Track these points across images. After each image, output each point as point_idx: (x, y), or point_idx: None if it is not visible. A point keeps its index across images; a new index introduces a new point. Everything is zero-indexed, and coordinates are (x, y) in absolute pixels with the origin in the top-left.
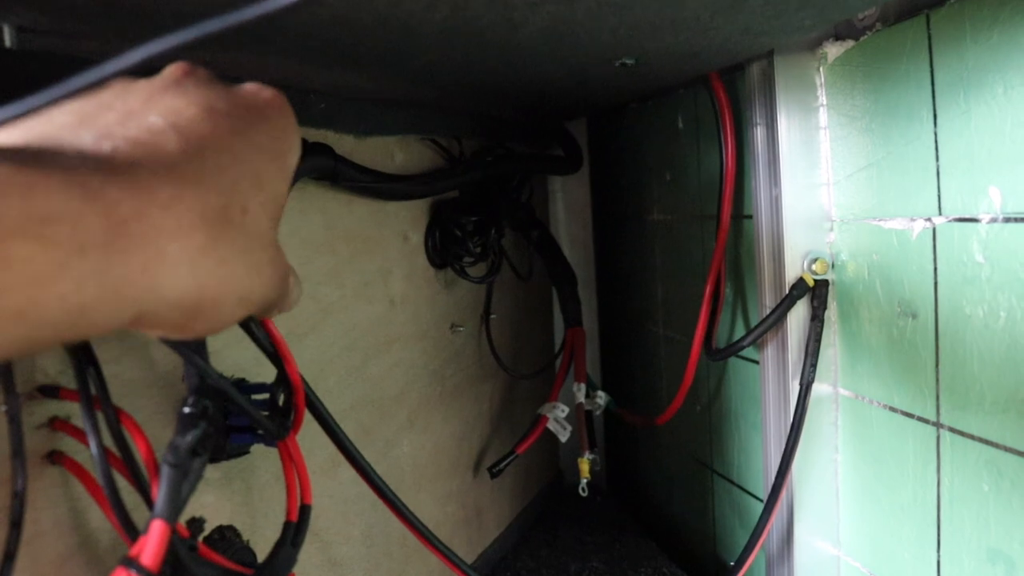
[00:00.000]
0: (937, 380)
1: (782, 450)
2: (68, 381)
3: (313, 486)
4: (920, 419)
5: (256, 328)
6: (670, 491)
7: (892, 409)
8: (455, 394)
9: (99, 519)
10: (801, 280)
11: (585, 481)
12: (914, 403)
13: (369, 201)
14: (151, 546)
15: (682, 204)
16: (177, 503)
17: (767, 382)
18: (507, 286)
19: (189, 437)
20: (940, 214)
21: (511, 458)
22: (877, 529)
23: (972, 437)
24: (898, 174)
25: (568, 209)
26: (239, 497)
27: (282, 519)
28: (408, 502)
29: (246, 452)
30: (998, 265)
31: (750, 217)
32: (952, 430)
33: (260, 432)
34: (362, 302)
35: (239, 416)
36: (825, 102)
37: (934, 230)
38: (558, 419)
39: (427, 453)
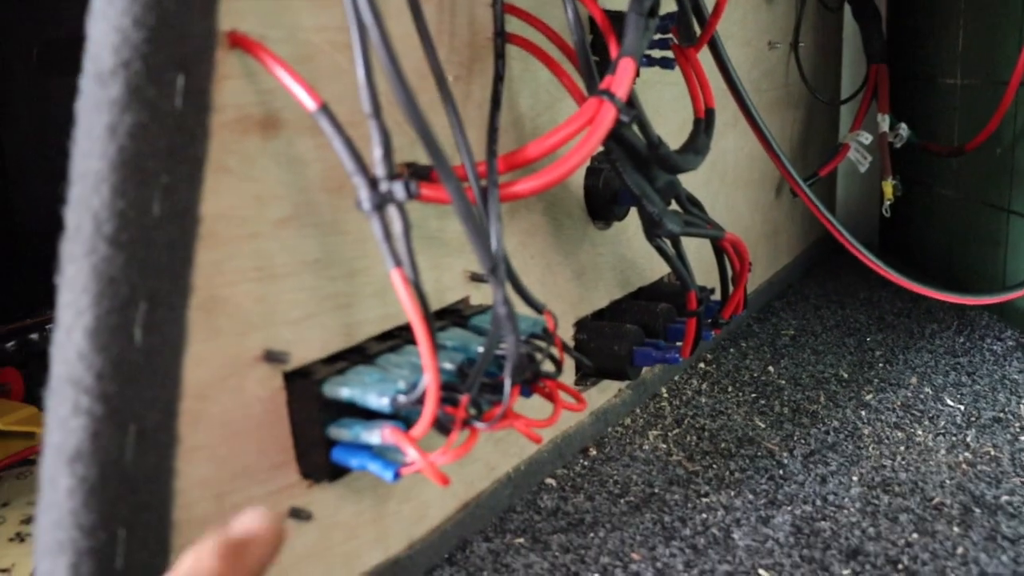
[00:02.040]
0: None
1: None
2: None
3: None
4: None
5: None
6: (953, 240)
7: None
8: (768, 110)
9: (526, 105)
10: None
11: (888, 204)
12: None
13: None
14: (621, 79)
15: None
16: (641, 48)
17: None
18: (811, 21)
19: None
20: None
21: (813, 179)
22: None
23: None
24: None
25: None
26: None
27: None
28: (729, 197)
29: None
30: None
31: None
32: None
33: (655, 57)
34: None
35: None
36: None
37: None
38: (860, 146)
39: (745, 157)
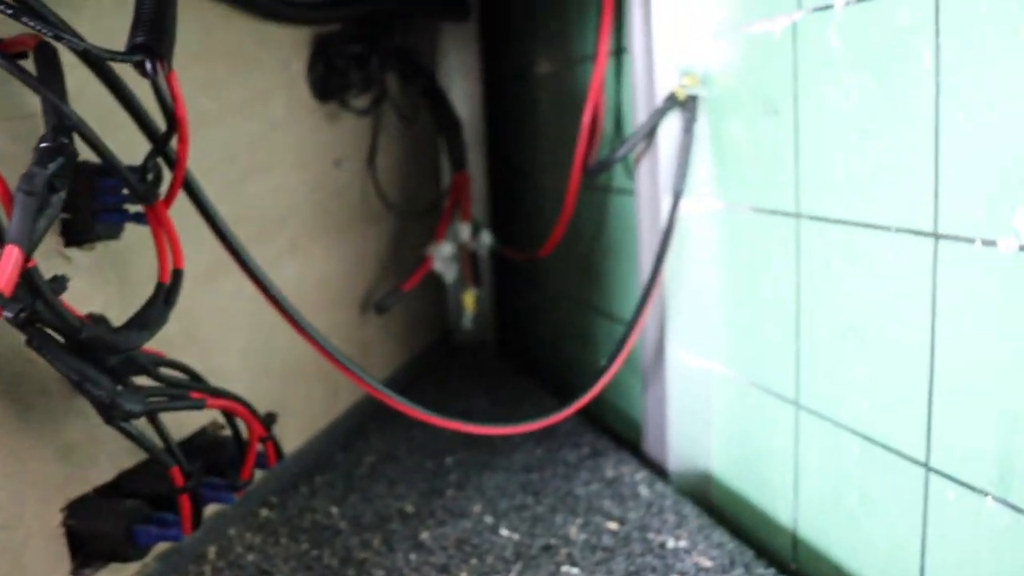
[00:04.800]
0: (797, 170)
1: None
2: None
3: (191, 295)
4: (782, 213)
5: (161, 81)
6: (557, 338)
7: (758, 210)
8: (341, 230)
9: None
10: (672, 94)
11: (469, 314)
12: (777, 198)
13: (249, 20)
14: (4, 269)
15: (567, 51)
16: (32, 232)
17: (641, 200)
18: (394, 132)
19: (48, 168)
20: (800, 8)
21: (396, 294)
22: (745, 333)
23: (828, 220)
24: None
25: (460, 65)
26: (112, 288)
27: None
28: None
29: (116, 236)
30: (851, 45)
31: (626, 51)
32: (811, 218)
33: (130, 212)
34: (240, 119)
35: (108, 197)
36: None
37: (795, 25)
38: (443, 257)
39: (311, 282)
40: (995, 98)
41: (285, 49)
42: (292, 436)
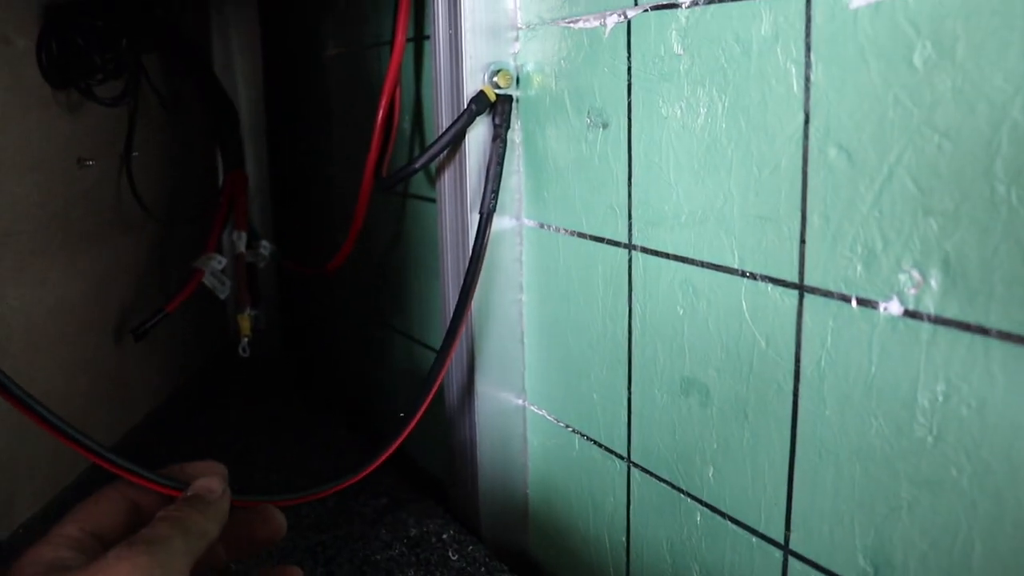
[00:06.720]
0: (630, 195)
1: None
2: None
3: None
4: (611, 243)
5: None
6: (350, 356)
7: (581, 236)
8: (86, 242)
9: None
10: (481, 94)
11: (246, 340)
12: (605, 225)
13: None
14: None
15: (359, 34)
16: None
17: (444, 216)
18: (157, 121)
19: None
20: (636, 4)
21: (159, 317)
22: (565, 372)
23: (667, 256)
24: None
25: (239, 44)
26: None
27: None
28: (22, 369)
29: None
30: (699, 55)
31: (429, 38)
32: (645, 250)
33: None
34: None
35: None
36: None
37: (629, 24)
38: (215, 272)
39: (45, 311)
40: (879, 136)
41: (4, 22)
42: (30, 499)
